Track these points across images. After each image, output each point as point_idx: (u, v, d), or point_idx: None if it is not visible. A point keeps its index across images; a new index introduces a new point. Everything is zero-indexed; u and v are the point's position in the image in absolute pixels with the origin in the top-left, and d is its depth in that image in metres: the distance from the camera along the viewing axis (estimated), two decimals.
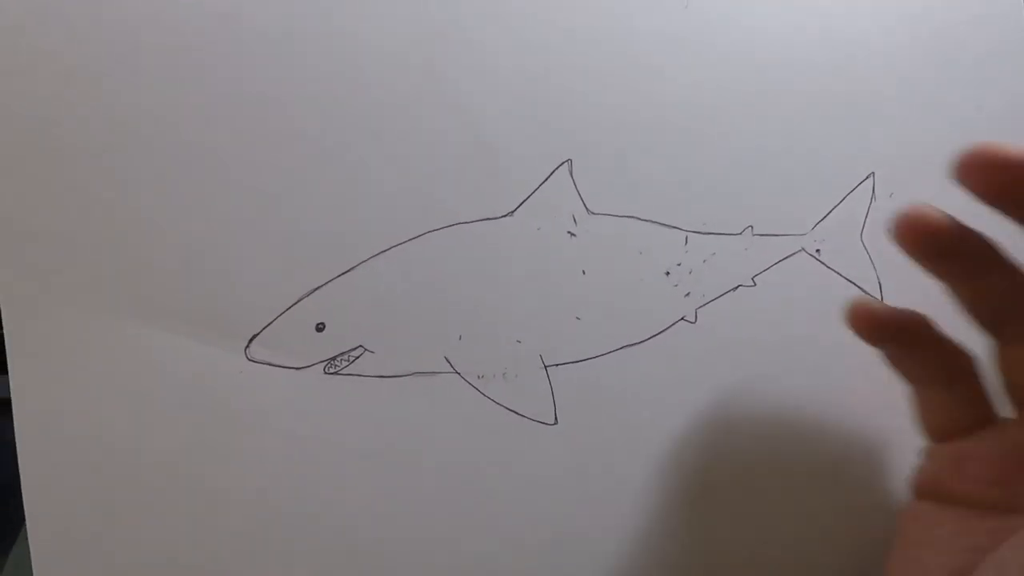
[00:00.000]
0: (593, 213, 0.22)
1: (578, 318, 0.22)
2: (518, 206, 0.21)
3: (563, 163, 0.21)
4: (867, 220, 0.23)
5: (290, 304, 0.20)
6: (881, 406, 0.23)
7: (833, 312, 0.23)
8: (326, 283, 0.20)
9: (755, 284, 0.22)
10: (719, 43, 0.22)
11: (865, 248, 0.23)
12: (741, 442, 0.23)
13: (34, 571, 0.20)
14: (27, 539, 0.20)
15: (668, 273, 0.22)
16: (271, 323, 0.20)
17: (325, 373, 0.20)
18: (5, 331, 0.20)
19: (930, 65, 0.23)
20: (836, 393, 0.23)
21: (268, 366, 0.20)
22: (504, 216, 0.21)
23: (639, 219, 0.22)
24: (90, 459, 0.20)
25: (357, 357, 0.21)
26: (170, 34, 0.19)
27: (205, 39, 0.19)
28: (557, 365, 0.21)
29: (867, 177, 0.23)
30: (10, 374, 0.20)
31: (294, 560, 0.21)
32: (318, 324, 0.20)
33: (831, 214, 0.23)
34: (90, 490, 0.20)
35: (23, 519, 0.20)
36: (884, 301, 0.23)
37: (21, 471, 0.20)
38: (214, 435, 0.20)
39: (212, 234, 0.20)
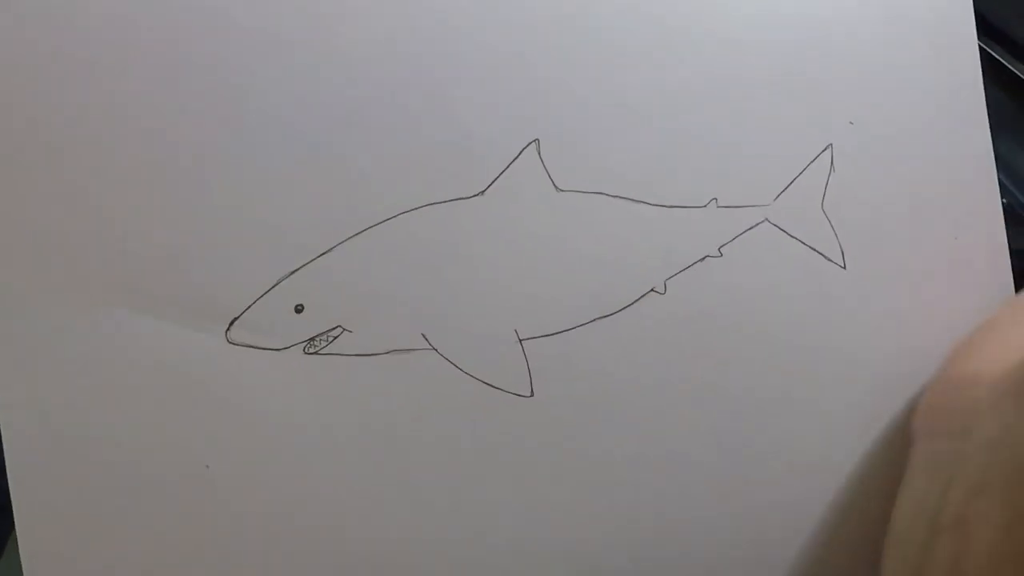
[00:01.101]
0: (562, 190, 0.22)
1: (550, 292, 0.22)
2: (488, 185, 0.22)
3: (531, 143, 0.22)
4: (827, 190, 0.24)
5: (269, 287, 0.21)
6: (849, 372, 0.24)
7: (797, 279, 0.24)
8: (303, 265, 0.21)
9: (721, 255, 0.23)
10: (680, 22, 0.23)
11: (827, 217, 0.24)
12: (712, 407, 0.23)
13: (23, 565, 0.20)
14: (15, 546, 0.20)
15: (636, 246, 0.23)
16: (251, 306, 0.21)
17: (305, 353, 0.21)
18: None
19: (879, 39, 0.24)
20: (803, 359, 0.24)
21: (249, 348, 0.21)
22: (475, 196, 0.22)
23: (607, 195, 0.22)
24: (76, 450, 0.20)
25: (336, 337, 0.21)
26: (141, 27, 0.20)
27: (180, 32, 0.20)
28: (532, 338, 0.22)
29: (825, 148, 0.24)
30: None
31: (280, 541, 0.21)
32: (297, 306, 0.21)
33: (792, 185, 0.24)
34: (79, 481, 0.20)
35: (10, 528, 0.21)
36: (847, 267, 0.24)
37: (8, 468, 0.20)
38: (197, 419, 0.20)
39: (190, 219, 0.20)
